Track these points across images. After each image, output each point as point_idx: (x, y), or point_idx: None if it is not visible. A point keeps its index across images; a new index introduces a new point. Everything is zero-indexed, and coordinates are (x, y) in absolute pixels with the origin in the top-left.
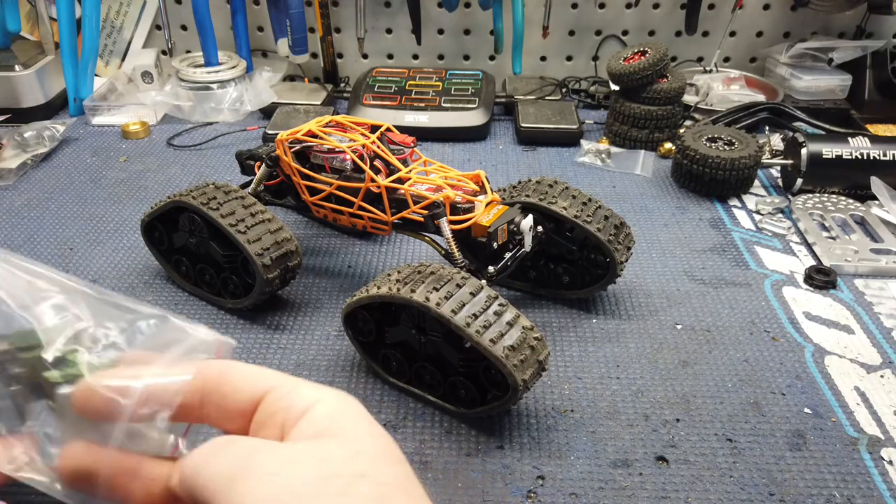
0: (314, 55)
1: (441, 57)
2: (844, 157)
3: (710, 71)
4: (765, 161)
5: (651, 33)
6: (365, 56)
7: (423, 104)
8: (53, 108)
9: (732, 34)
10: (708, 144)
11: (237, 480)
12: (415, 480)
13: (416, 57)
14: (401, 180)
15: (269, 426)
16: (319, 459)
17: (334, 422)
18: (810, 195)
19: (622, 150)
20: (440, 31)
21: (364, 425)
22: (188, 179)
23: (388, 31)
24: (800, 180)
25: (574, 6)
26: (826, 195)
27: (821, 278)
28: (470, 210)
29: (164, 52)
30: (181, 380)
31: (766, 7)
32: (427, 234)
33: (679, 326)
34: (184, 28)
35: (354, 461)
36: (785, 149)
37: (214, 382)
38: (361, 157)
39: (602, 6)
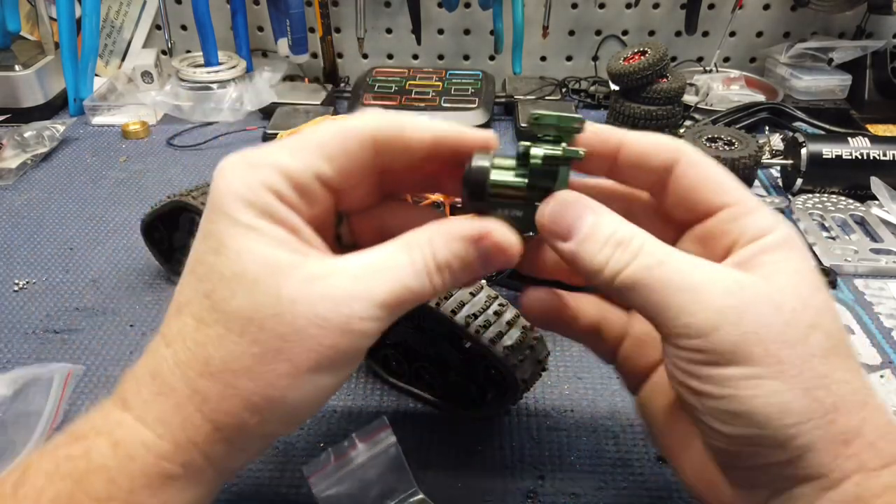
0: (314, 55)
1: (441, 57)
2: (844, 157)
3: (710, 71)
4: (765, 161)
5: (651, 33)
6: (365, 56)
7: (423, 104)
8: (53, 108)
9: (732, 34)
10: (708, 144)
11: (692, 291)
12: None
13: (416, 57)
14: None
15: (714, 243)
16: (777, 303)
17: (783, 260)
18: (810, 195)
19: None
20: (440, 31)
21: (808, 269)
22: (188, 179)
23: (388, 31)
24: (800, 180)
25: (574, 6)
26: (826, 195)
27: None
28: None
29: (164, 52)
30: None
31: (766, 7)
32: None
33: None
34: (184, 28)
35: (806, 310)
36: (785, 149)
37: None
38: None
39: (602, 6)
